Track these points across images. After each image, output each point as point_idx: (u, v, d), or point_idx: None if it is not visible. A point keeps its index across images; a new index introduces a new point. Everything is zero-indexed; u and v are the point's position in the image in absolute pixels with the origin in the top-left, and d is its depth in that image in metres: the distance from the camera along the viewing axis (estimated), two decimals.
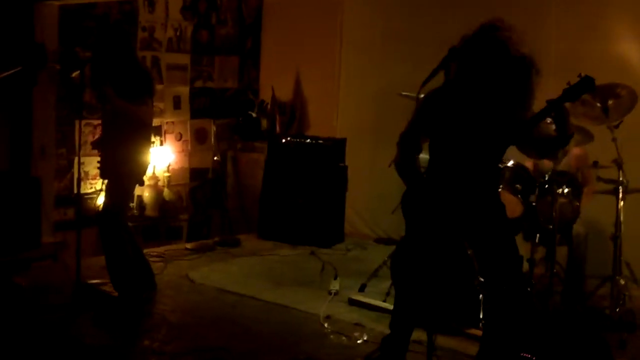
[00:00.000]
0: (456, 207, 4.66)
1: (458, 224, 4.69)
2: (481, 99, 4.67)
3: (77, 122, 7.12)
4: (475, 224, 4.71)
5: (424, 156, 4.91)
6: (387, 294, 6.42)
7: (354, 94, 9.43)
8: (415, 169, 4.86)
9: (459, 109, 4.70)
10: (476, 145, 4.67)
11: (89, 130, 8.33)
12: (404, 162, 4.89)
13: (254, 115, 9.92)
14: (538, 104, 4.55)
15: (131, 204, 8.82)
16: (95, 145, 6.73)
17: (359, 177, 9.05)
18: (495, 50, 4.56)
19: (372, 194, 9.07)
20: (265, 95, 10.11)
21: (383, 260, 6.94)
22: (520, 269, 5.18)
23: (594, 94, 6.04)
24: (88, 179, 8.48)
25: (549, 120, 4.71)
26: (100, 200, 6.65)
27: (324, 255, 8.25)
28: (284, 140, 9.27)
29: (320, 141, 9.07)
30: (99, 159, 6.60)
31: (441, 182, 4.72)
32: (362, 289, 6.85)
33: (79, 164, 6.64)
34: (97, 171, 7.32)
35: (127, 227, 6.60)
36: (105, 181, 6.45)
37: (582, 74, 4.44)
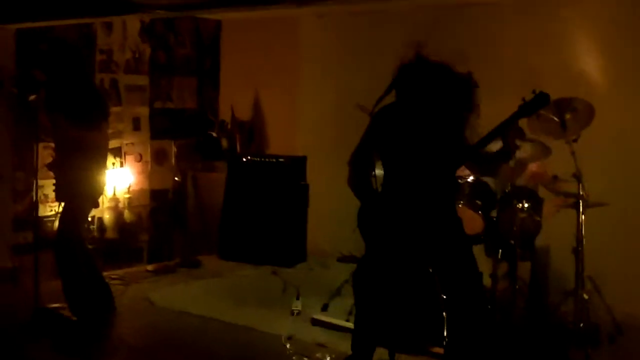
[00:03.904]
0: (412, 223, 4.65)
1: (414, 240, 4.68)
2: (426, 117, 4.71)
3: (35, 145, 7.06)
4: (431, 239, 4.70)
5: (380, 172, 4.92)
6: (350, 312, 6.35)
7: (313, 111, 9.41)
8: (368, 186, 4.88)
9: (408, 126, 4.73)
10: (427, 161, 4.70)
11: (48, 152, 8.18)
12: (357, 180, 4.91)
13: (214, 134, 9.87)
14: (493, 117, 4.56)
15: (91, 227, 8.76)
16: (50, 167, 6.65)
17: (321, 195, 9.01)
18: (433, 72, 4.65)
19: (334, 211, 8.99)
20: (225, 115, 10.07)
21: (345, 279, 6.90)
22: (480, 284, 5.17)
23: (551, 109, 6.06)
24: (48, 202, 8.37)
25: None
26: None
27: (286, 275, 8.20)
28: (244, 160, 9.23)
29: (281, 160, 9.04)
30: (54, 181, 6.53)
31: (396, 198, 4.72)
32: (324, 309, 6.80)
33: (37, 187, 6.57)
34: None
35: (84, 249, 6.54)
36: (62, 204, 6.40)
37: (537, 90, 4.47)
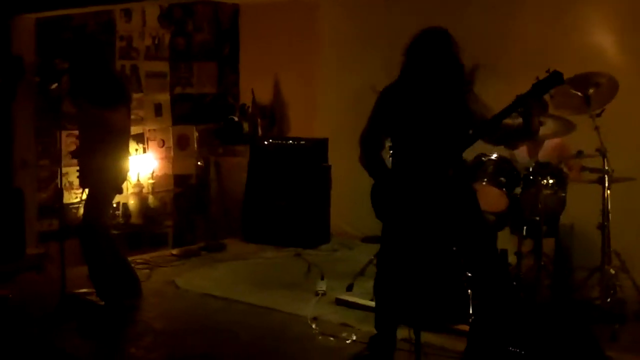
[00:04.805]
0: (424, 200, 4.64)
1: (428, 217, 4.66)
2: (433, 89, 4.72)
3: (58, 133, 7.11)
4: (446, 215, 4.70)
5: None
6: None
7: (333, 94, 9.38)
8: (380, 163, 4.91)
9: (415, 101, 4.74)
10: (435, 134, 4.69)
11: (71, 140, 8.25)
12: (368, 159, 4.92)
13: (235, 119, 9.88)
14: (508, 99, 4.54)
15: (116, 213, 8.81)
16: (74, 154, 6.68)
17: (342, 176, 8.99)
18: (437, 43, 4.65)
19: (356, 193, 8.93)
20: (246, 99, 10.07)
21: (369, 259, 6.91)
22: (501, 259, 5.17)
23: (574, 84, 6.03)
24: (72, 189, 8.42)
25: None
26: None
27: (310, 257, 8.19)
28: (266, 143, 9.23)
29: (302, 142, 9.04)
30: (78, 168, 6.56)
31: (407, 175, 4.71)
32: (349, 289, 6.80)
33: (61, 174, 6.61)
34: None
35: (109, 235, 6.56)
36: (87, 190, 6.43)
37: (550, 69, 4.44)
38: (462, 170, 4.95)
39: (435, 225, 4.71)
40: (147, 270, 7.70)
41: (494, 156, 6.31)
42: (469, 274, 5.21)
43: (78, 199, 8.36)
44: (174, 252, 8.62)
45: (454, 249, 5.27)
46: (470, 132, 4.77)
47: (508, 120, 4.65)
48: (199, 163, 9.76)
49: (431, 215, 4.65)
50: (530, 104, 4.51)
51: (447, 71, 4.75)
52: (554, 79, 4.42)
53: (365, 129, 4.99)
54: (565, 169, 6.36)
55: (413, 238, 4.61)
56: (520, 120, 4.72)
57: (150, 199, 9.40)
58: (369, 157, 4.94)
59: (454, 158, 4.77)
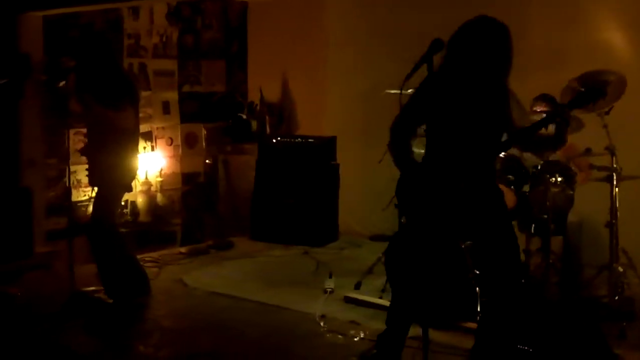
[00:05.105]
0: (452, 195, 4.60)
1: (453, 213, 4.63)
2: (478, 81, 4.61)
3: (66, 131, 7.12)
4: (473, 212, 4.65)
5: (417, 151, 4.85)
6: (383, 290, 6.37)
7: (341, 92, 9.39)
8: (409, 154, 4.76)
9: (459, 95, 4.63)
10: (476, 132, 4.61)
11: (79, 138, 8.26)
12: (397, 148, 4.79)
13: (243, 117, 9.88)
14: (520, 96, 4.53)
15: (125, 211, 8.82)
16: (83, 152, 6.69)
17: (350, 175, 9.01)
18: (494, 35, 4.56)
19: (364, 191, 9.02)
20: (254, 97, 10.08)
21: (377, 257, 6.90)
22: (519, 258, 5.13)
23: (583, 81, 6.02)
24: (80, 187, 8.44)
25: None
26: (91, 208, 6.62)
27: (318, 255, 8.21)
28: (274, 141, 9.23)
29: (311, 140, 9.04)
30: (87, 166, 6.57)
31: (437, 169, 4.64)
32: (357, 287, 6.80)
33: (69, 172, 6.62)
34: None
35: (117, 233, 6.58)
36: (95, 188, 6.44)
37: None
38: (491, 175, 4.89)
39: (456, 222, 4.67)
40: (156, 269, 7.72)
41: (502, 154, 6.30)
42: (477, 272, 5.18)
43: (86, 197, 8.39)
44: (183, 250, 8.63)
45: (466, 244, 5.24)
46: (505, 138, 4.72)
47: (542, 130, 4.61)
48: (207, 161, 9.77)
49: (454, 212, 4.61)
50: (569, 115, 4.47)
51: (498, 66, 4.65)
52: (596, 91, 4.41)
53: (398, 115, 4.85)
54: (574, 168, 6.35)
55: (431, 232, 4.58)
56: (552, 129, 4.66)
57: (159, 197, 9.42)
58: (398, 144, 4.78)
59: (486, 163, 4.71)
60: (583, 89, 4.49)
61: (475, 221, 4.68)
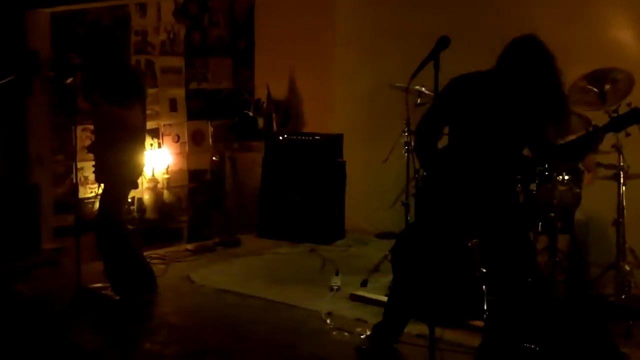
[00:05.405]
0: (473, 196, 4.59)
1: (476, 213, 4.63)
2: (519, 98, 4.59)
3: (73, 128, 7.13)
4: (494, 213, 4.65)
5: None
6: (390, 288, 6.37)
7: (348, 89, 9.38)
8: (434, 155, 4.76)
9: (495, 102, 4.61)
10: (505, 138, 4.60)
11: (87, 135, 8.26)
12: (422, 148, 4.77)
13: (250, 114, 9.88)
14: None
15: (131, 207, 8.82)
16: (90, 149, 6.70)
17: (357, 172, 9.01)
18: (542, 58, 4.53)
19: (370, 189, 9.02)
20: (261, 94, 10.07)
21: (384, 255, 6.91)
22: (535, 260, 5.13)
23: (590, 79, 6.02)
24: (88, 184, 8.44)
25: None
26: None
27: (325, 252, 8.22)
28: (281, 138, 9.23)
29: (317, 137, 9.05)
30: (94, 163, 6.58)
31: (461, 171, 4.63)
32: (364, 284, 6.81)
33: (76, 169, 6.63)
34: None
35: (124, 230, 6.59)
36: (102, 185, 6.45)
37: (632, 105, 4.40)
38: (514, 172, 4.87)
39: (470, 221, 4.67)
40: (163, 266, 7.73)
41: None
42: (484, 270, 5.18)
43: (93, 194, 8.38)
44: (189, 247, 8.63)
45: (473, 242, 5.24)
46: (533, 155, 4.74)
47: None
48: (214, 158, 9.78)
49: (473, 211, 4.61)
50: (602, 137, 4.47)
51: (542, 94, 4.61)
52: (634, 116, 4.39)
53: (425, 114, 4.83)
54: (581, 167, 6.35)
55: (445, 231, 4.57)
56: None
57: (165, 194, 9.42)
58: (423, 144, 4.77)
59: (513, 158, 4.70)
60: (616, 114, 4.43)
61: (488, 220, 4.68)
